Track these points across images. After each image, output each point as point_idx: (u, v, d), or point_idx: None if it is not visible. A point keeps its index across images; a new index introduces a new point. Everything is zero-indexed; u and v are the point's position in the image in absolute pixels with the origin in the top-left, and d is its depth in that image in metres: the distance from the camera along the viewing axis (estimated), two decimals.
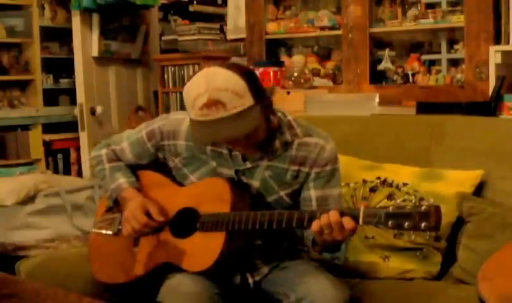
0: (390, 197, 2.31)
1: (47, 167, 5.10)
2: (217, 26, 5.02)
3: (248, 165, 1.99)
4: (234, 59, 4.42)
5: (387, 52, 4.00)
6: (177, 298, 1.87)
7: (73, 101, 5.07)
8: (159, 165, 2.12)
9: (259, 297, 2.03)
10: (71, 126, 5.06)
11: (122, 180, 2.10)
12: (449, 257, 2.27)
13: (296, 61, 4.30)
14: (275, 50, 4.47)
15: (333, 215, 1.74)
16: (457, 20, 3.67)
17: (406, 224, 1.67)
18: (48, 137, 5.14)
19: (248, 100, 1.80)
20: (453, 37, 3.83)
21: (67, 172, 5.22)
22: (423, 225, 1.65)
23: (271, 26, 4.36)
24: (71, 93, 5.17)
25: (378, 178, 2.38)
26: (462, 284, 2.18)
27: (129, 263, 2.05)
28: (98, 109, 4.91)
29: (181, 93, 4.77)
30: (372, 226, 1.75)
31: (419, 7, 3.86)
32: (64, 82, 5.36)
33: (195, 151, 2.03)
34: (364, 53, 3.96)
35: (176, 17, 5.39)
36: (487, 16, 3.48)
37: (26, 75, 5.06)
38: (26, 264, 2.30)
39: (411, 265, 2.26)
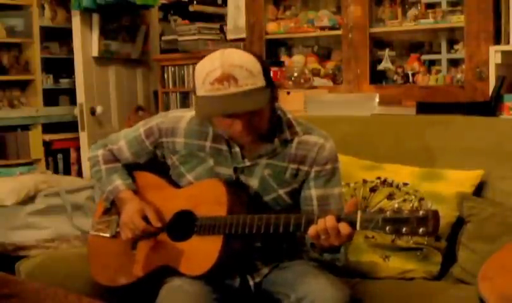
0: (390, 197, 2.31)
1: (47, 167, 5.10)
2: (217, 26, 5.02)
3: (247, 162, 1.98)
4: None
5: (387, 52, 4.00)
6: (176, 302, 1.87)
7: (73, 101, 5.08)
8: (156, 164, 2.12)
9: (260, 298, 2.03)
10: (71, 126, 5.06)
11: (118, 181, 2.09)
12: (449, 257, 2.27)
13: (296, 61, 4.30)
14: (275, 50, 4.48)
15: (329, 220, 1.73)
16: (457, 20, 3.67)
17: (404, 229, 1.65)
18: (48, 137, 5.14)
19: (261, 81, 1.82)
20: (453, 37, 3.83)
21: (67, 172, 5.22)
22: (420, 230, 1.64)
23: (271, 26, 4.36)
24: (71, 93, 5.17)
25: (379, 178, 2.38)
26: (462, 284, 2.18)
27: (128, 266, 2.04)
28: (98, 109, 4.91)
29: (181, 93, 4.80)
30: (370, 230, 1.75)
31: (419, 7, 3.86)
32: (64, 82, 5.36)
33: (193, 149, 2.03)
34: (364, 53, 3.96)
35: (176, 17, 5.39)
36: (487, 16, 3.48)
37: (26, 75, 5.06)
38: (26, 264, 2.29)
39: (411, 265, 2.26)
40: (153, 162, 2.12)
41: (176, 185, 2.07)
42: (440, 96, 3.62)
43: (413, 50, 4.03)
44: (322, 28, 4.19)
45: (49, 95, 5.24)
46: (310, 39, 4.39)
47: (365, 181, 2.38)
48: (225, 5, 4.90)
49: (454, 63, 3.83)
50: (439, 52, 3.89)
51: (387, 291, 2.15)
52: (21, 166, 4.79)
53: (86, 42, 4.83)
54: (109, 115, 5.05)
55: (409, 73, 3.89)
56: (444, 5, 3.75)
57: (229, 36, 4.81)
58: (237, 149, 1.98)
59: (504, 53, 3.37)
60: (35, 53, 5.06)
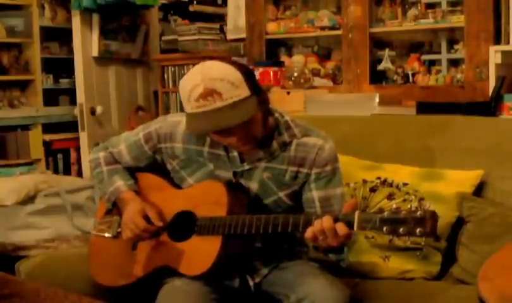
0: (390, 197, 2.31)
1: (47, 167, 5.10)
2: (217, 26, 5.02)
3: (246, 166, 1.98)
4: (234, 59, 4.42)
5: (387, 52, 4.00)
6: (176, 302, 1.87)
7: (73, 101, 5.07)
8: (157, 167, 2.12)
9: (259, 298, 2.03)
10: (71, 126, 5.06)
11: (120, 182, 2.09)
12: (449, 257, 2.27)
13: (296, 61, 4.30)
14: (275, 50, 4.47)
15: (326, 221, 1.72)
16: (457, 20, 3.67)
17: (401, 230, 1.65)
18: (48, 137, 5.14)
19: (244, 91, 1.81)
20: (453, 37, 3.82)
21: (67, 172, 5.22)
22: (418, 230, 1.63)
23: (271, 26, 4.36)
24: (71, 93, 5.17)
25: (379, 178, 2.38)
26: (462, 284, 2.18)
27: (128, 266, 2.05)
28: (98, 109, 4.90)
29: None
30: (368, 231, 1.74)
31: (419, 7, 3.86)
32: (64, 82, 5.35)
33: (192, 154, 2.03)
34: (364, 53, 3.96)
35: (176, 17, 5.39)
36: (487, 16, 3.48)
37: (26, 75, 5.06)
38: (26, 264, 2.29)
39: (411, 265, 2.26)
40: (153, 166, 2.12)
41: (177, 186, 2.08)
42: (440, 96, 3.62)
43: (413, 50, 4.03)
44: (322, 28, 4.19)
45: (49, 95, 5.24)
46: (310, 39, 4.38)
47: (365, 181, 2.38)
48: (225, 5, 4.90)
49: (454, 63, 3.83)
50: (439, 52, 3.89)
51: (387, 291, 2.15)
52: (21, 166, 4.78)
53: (86, 42, 4.82)
54: (109, 115, 5.04)
55: (409, 73, 3.89)
56: (444, 5, 3.75)
57: (229, 36, 4.81)
58: (235, 153, 1.98)
59: (504, 53, 3.37)
60: (35, 53, 5.06)
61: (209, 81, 1.78)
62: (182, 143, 2.03)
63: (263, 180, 1.98)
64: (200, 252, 1.91)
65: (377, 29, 3.99)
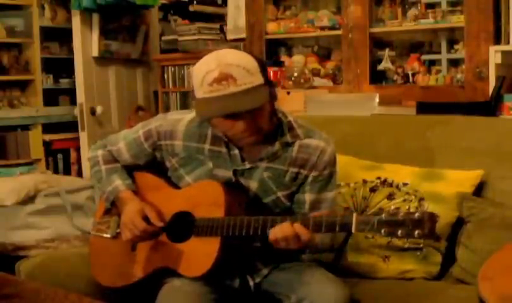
0: (390, 197, 2.31)
1: (47, 167, 5.10)
2: (217, 26, 5.02)
3: (247, 165, 1.98)
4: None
5: (387, 52, 4.00)
6: (176, 302, 1.87)
7: (73, 101, 5.07)
8: (156, 165, 2.11)
9: (260, 298, 2.03)
10: (71, 126, 5.06)
11: (118, 182, 2.09)
12: (449, 257, 2.27)
13: (296, 61, 4.29)
14: (275, 50, 4.47)
15: (285, 227, 1.77)
16: (457, 20, 3.67)
17: (399, 232, 1.65)
18: (48, 137, 5.14)
19: (258, 79, 1.82)
20: (453, 37, 3.82)
21: (67, 172, 5.22)
22: (416, 232, 1.63)
23: (271, 26, 4.36)
24: (71, 93, 5.17)
25: (379, 178, 2.37)
26: (462, 284, 2.18)
27: (128, 267, 2.05)
28: (98, 109, 4.91)
29: (181, 93, 4.79)
30: (366, 233, 1.74)
31: (419, 7, 3.86)
32: (64, 82, 5.35)
33: (192, 152, 2.02)
34: (364, 53, 3.96)
35: (176, 17, 5.38)
36: (487, 16, 3.48)
37: (26, 75, 5.06)
38: (26, 264, 2.29)
39: (411, 265, 2.26)
40: (152, 163, 2.12)
41: (175, 186, 2.07)
42: (440, 96, 3.62)
43: (413, 50, 4.03)
44: (322, 28, 4.19)
45: (49, 95, 5.24)
46: (310, 39, 4.38)
47: (365, 181, 2.38)
48: (225, 5, 4.90)
49: (454, 63, 3.83)
50: (439, 52, 3.89)
51: (387, 291, 2.15)
52: (21, 166, 4.79)
53: (86, 42, 4.83)
54: (109, 115, 5.04)
55: (409, 73, 3.89)
56: (444, 5, 3.75)
57: (229, 36, 4.81)
58: (236, 151, 1.97)
59: (504, 53, 3.37)
60: (35, 53, 5.06)
61: (225, 66, 1.79)
62: (183, 141, 2.02)
63: (263, 179, 1.98)
64: (199, 254, 1.91)
65: (377, 29, 3.99)
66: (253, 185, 1.99)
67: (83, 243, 3.49)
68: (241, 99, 1.78)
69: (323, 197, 2.00)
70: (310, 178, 1.98)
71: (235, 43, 4.71)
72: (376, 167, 2.44)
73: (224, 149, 1.99)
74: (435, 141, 2.50)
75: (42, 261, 2.33)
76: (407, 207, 2.24)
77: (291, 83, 3.98)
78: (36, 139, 5.05)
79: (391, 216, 1.67)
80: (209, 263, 1.88)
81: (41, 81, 5.13)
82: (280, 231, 1.78)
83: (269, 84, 1.87)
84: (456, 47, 3.79)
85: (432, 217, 1.63)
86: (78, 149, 5.07)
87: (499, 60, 3.37)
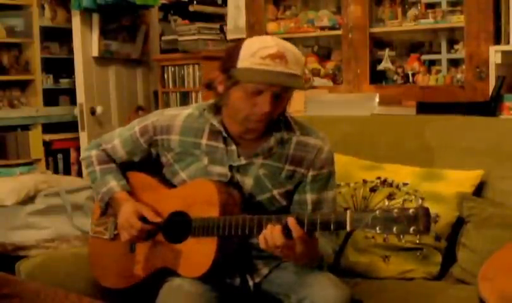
0: (390, 197, 2.31)
1: (47, 167, 5.10)
2: (217, 26, 5.01)
3: (243, 161, 1.98)
4: None
5: (387, 52, 3.99)
6: (177, 301, 1.87)
7: (73, 101, 5.07)
8: (150, 162, 2.11)
9: (260, 298, 2.03)
10: (71, 126, 5.06)
11: (113, 183, 2.09)
12: (449, 257, 2.27)
13: None
14: None
15: (275, 229, 1.75)
16: (457, 20, 3.67)
17: (395, 228, 1.64)
18: (48, 137, 5.14)
19: (302, 70, 1.91)
20: (453, 37, 3.82)
21: (67, 172, 5.22)
22: (411, 229, 1.62)
23: (271, 26, 4.36)
24: (71, 93, 5.17)
25: (379, 178, 2.38)
26: (462, 284, 2.18)
27: (128, 269, 2.05)
28: (98, 109, 4.91)
29: (180, 93, 4.79)
30: (361, 230, 1.74)
31: (419, 7, 3.85)
32: (64, 82, 5.35)
33: (188, 147, 2.02)
34: (364, 53, 3.96)
35: (176, 17, 5.38)
36: (487, 16, 3.48)
37: (26, 75, 5.06)
38: (26, 264, 2.29)
39: (411, 265, 2.26)
40: (147, 160, 2.12)
41: (169, 185, 2.07)
42: (440, 96, 3.62)
43: (413, 50, 4.03)
44: (322, 28, 4.19)
45: (49, 95, 5.24)
46: (310, 39, 4.38)
47: (365, 181, 2.39)
48: (225, 5, 4.89)
49: (454, 63, 3.83)
50: (439, 52, 3.88)
51: (387, 291, 2.15)
52: (21, 166, 4.78)
53: (86, 42, 4.83)
54: (109, 115, 5.04)
55: (409, 73, 3.88)
56: (444, 5, 3.74)
57: (229, 36, 4.80)
58: (233, 147, 1.98)
59: (504, 53, 3.37)
60: (35, 53, 5.06)
61: (283, 47, 1.86)
62: (180, 135, 2.03)
63: (258, 176, 1.98)
64: (198, 254, 1.91)
65: (377, 29, 3.98)
66: (248, 182, 1.98)
67: (83, 243, 3.49)
68: (288, 79, 1.85)
69: (324, 196, 2.00)
70: (309, 178, 1.98)
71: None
72: (376, 167, 2.45)
73: (221, 145, 1.99)
74: (435, 141, 2.50)
75: (42, 261, 2.33)
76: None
77: None
78: (36, 139, 5.05)
79: (386, 212, 1.65)
80: (208, 263, 1.88)
81: (41, 81, 5.13)
82: (269, 233, 1.76)
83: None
84: (456, 47, 3.79)
85: (426, 211, 1.62)
86: (78, 149, 5.07)
87: (499, 60, 3.36)
